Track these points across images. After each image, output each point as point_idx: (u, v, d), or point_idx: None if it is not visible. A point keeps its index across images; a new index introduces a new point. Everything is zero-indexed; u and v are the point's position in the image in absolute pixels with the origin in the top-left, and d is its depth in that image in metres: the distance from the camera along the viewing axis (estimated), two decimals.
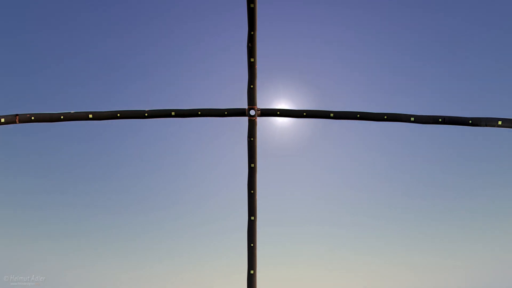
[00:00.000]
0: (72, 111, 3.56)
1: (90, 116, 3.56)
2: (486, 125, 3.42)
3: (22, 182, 6.67)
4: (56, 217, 6.52)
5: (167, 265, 6.14)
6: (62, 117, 3.53)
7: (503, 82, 6.73)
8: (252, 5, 3.12)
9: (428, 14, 6.77)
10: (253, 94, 3.54)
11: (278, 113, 3.64)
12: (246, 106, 3.59)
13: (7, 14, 6.62)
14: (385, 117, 3.54)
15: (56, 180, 6.73)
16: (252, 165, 3.66)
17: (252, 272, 3.67)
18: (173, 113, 3.61)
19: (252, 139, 3.63)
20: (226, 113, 3.61)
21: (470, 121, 3.45)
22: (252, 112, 3.58)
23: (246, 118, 3.62)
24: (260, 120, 3.64)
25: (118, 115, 3.59)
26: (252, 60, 3.38)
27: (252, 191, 3.68)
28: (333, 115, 3.61)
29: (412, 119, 3.51)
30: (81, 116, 3.55)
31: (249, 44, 3.33)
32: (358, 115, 3.59)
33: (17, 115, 3.47)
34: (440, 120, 3.49)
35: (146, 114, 3.61)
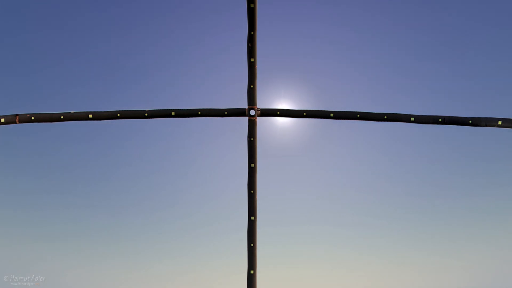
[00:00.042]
0: (72, 111, 3.56)
1: (90, 116, 3.56)
2: (486, 125, 3.42)
3: (22, 182, 6.66)
4: (56, 217, 6.52)
5: (167, 265, 6.14)
6: (62, 117, 3.53)
7: (503, 82, 6.73)
8: (252, 5, 3.12)
9: (428, 14, 6.78)
10: (253, 94, 3.54)
11: (278, 113, 3.64)
12: (246, 106, 3.59)
13: (7, 14, 6.62)
14: (385, 117, 3.54)
15: (56, 180, 6.72)
16: (252, 165, 3.66)
17: (252, 272, 3.67)
18: (173, 113, 3.61)
19: (252, 139, 3.63)
20: (226, 113, 3.62)
21: (470, 121, 3.45)
22: (252, 112, 3.58)
23: (246, 118, 3.62)
24: (260, 120, 3.65)
25: (118, 115, 3.59)
26: (252, 60, 3.38)
27: (252, 191, 3.68)
28: (333, 115, 3.61)
29: (412, 119, 3.51)
30: (81, 116, 3.56)
31: (249, 44, 3.33)
32: (358, 115, 3.59)
33: (17, 115, 3.47)
34: (440, 120, 3.49)
35: (146, 114, 3.61)
